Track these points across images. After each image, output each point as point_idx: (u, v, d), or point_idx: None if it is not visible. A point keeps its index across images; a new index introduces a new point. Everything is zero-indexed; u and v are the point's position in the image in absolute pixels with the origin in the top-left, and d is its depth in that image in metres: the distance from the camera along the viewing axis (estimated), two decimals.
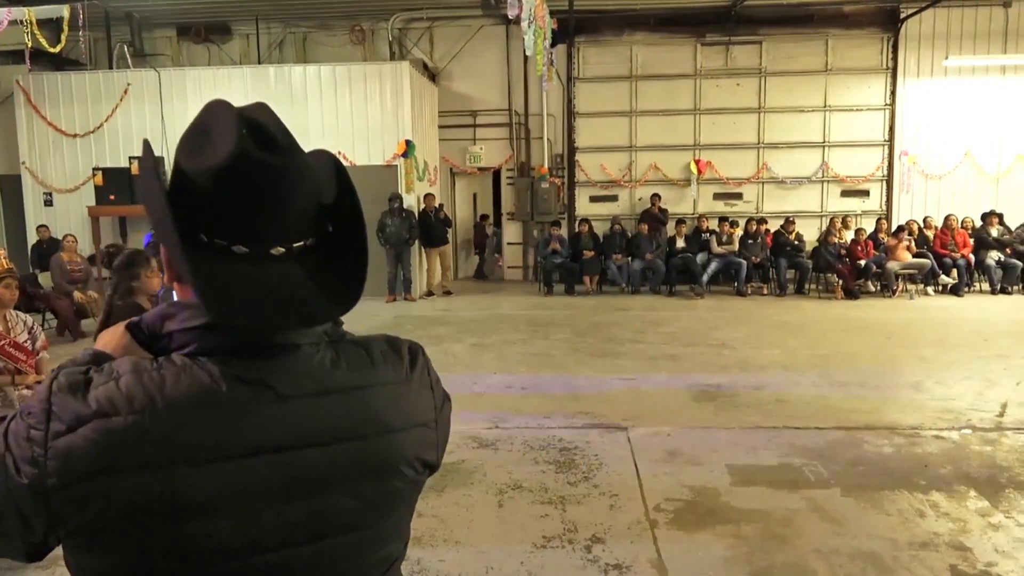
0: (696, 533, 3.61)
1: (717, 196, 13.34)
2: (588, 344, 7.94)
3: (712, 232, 11.97)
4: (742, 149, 13.21)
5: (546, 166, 13.20)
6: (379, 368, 0.95)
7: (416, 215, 11.39)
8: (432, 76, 13.18)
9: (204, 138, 0.87)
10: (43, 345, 4.42)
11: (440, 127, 13.16)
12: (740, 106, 13.15)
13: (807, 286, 11.61)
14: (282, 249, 0.88)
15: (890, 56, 12.88)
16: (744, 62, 13.12)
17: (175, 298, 0.96)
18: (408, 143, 11.21)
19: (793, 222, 11.92)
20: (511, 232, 13.79)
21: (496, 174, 13.76)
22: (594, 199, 13.49)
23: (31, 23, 8.95)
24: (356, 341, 0.97)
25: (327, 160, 0.94)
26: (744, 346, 7.79)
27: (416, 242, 11.40)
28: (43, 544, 0.82)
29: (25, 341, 4.28)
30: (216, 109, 0.89)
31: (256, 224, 0.86)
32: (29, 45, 9.15)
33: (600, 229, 12.50)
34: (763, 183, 13.32)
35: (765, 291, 11.61)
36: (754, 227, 11.82)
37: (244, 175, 0.84)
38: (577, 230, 12.45)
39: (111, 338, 0.95)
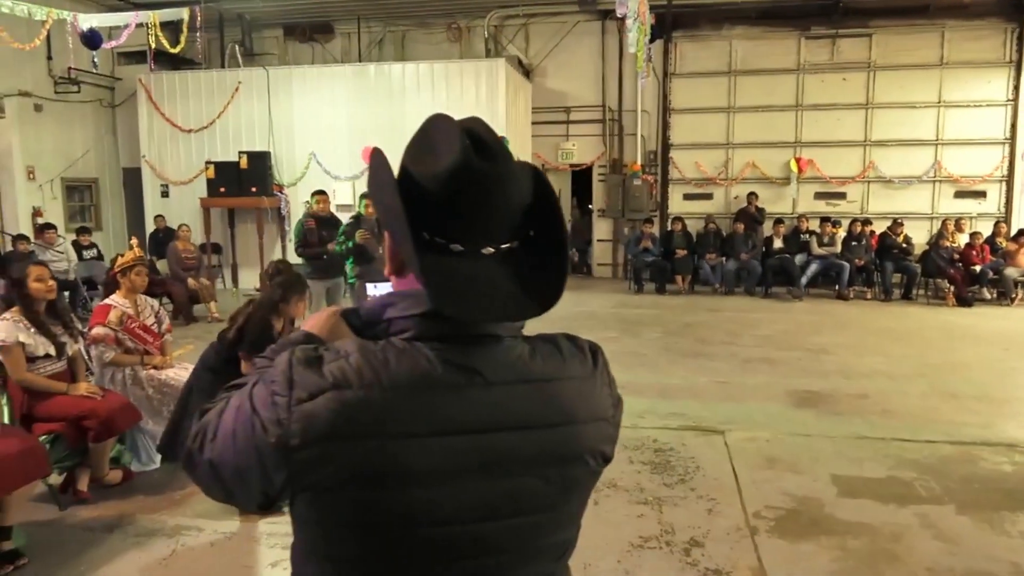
0: (799, 543, 3.51)
1: (819, 195, 12.84)
2: (680, 344, 7.82)
3: (812, 233, 11.54)
4: (847, 147, 12.66)
5: (639, 163, 13.05)
6: (568, 363, 1.03)
7: None
8: (526, 72, 13.23)
9: (429, 147, 0.97)
10: (167, 328, 4.73)
11: (533, 123, 13.19)
12: (846, 102, 12.59)
13: (915, 291, 11.02)
14: (492, 249, 0.97)
15: (1014, 48, 12.04)
16: (851, 56, 12.56)
17: (370, 292, 1.06)
18: (503, 139, 11.26)
19: (901, 224, 11.33)
20: (601, 229, 13.71)
21: (585, 171, 13.69)
22: (688, 197, 13.23)
23: (155, 26, 9.52)
24: (543, 336, 1.05)
25: (528, 168, 1.02)
26: (846, 352, 7.49)
27: None
28: (274, 496, 0.95)
29: (152, 324, 4.59)
30: (439, 122, 1.00)
31: (473, 226, 0.96)
32: (153, 46, 9.75)
33: (693, 228, 12.26)
34: (869, 182, 12.73)
35: (868, 295, 11.10)
36: (858, 228, 11.32)
37: (466, 181, 0.93)
38: (669, 228, 12.26)
39: (318, 321, 1.11)
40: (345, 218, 7.78)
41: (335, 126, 11.94)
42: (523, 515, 0.98)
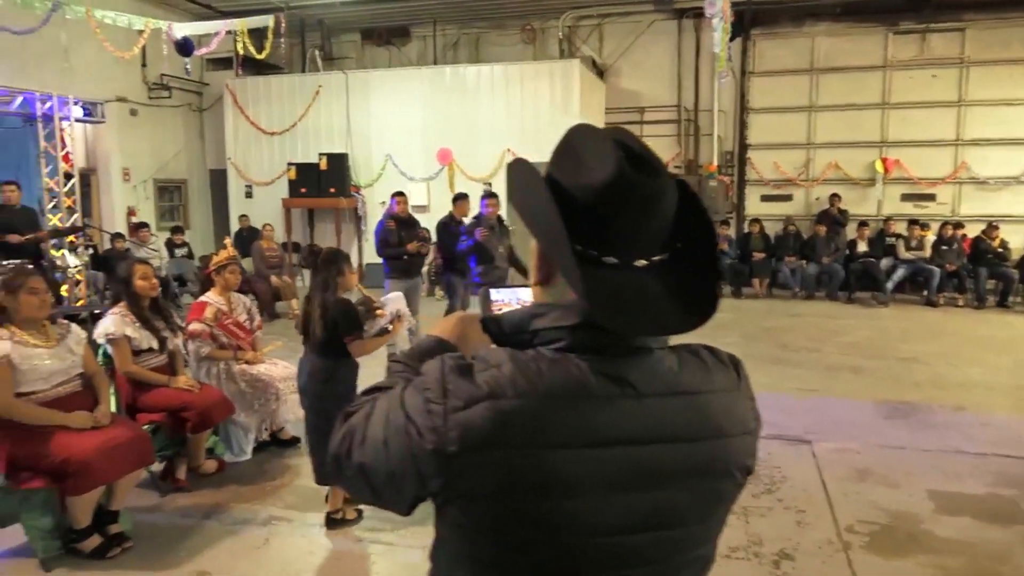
0: (895, 560, 3.38)
1: (905, 197, 12.32)
2: (760, 350, 7.62)
3: (899, 236, 11.07)
4: (937, 146, 12.11)
5: (715, 163, 12.79)
6: (714, 375, 1.03)
7: None
8: (600, 73, 13.16)
9: (577, 158, 0.96)
10: (258, 325, 4.90)
11: (606, 124, 13.10)
12: (936, 99, 12.05)
13: (1011, 299, 10.44)
14: (644, 262, 0.96)
15: None
16: (942, 51, 12.01)
17: (494, 298, 1.06)
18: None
19: (997, 227, 10.75)
20: None
21: None
22: (766, 198, 12.91)
23: (243, 33, 9.88)
24: (686, 348, 1.04)
25: (674, 182, 1.00)
26: (938, 361, 7.16)
27: None
28: (421, 501, 0.97)
29: (244, 321, 4.76)
30: (585, 132, 1.00)
31: (628, 238, 0.95)
32: (241, 52, 10.11)
33: (771, 230, 11.95)
34: (961, 183, 12.14)
35: (960, 302, 10.56)
36: (949, 231, 10.80)
37: (622, 195, 0.92)
38: (747, 230, 11.98)
39: (447, 326, 1.15)
40: (422, 219, 7.91)
41: (410, 128, 12.14)
42: (669, 528, 0.97)
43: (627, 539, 0.95)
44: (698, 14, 12.62)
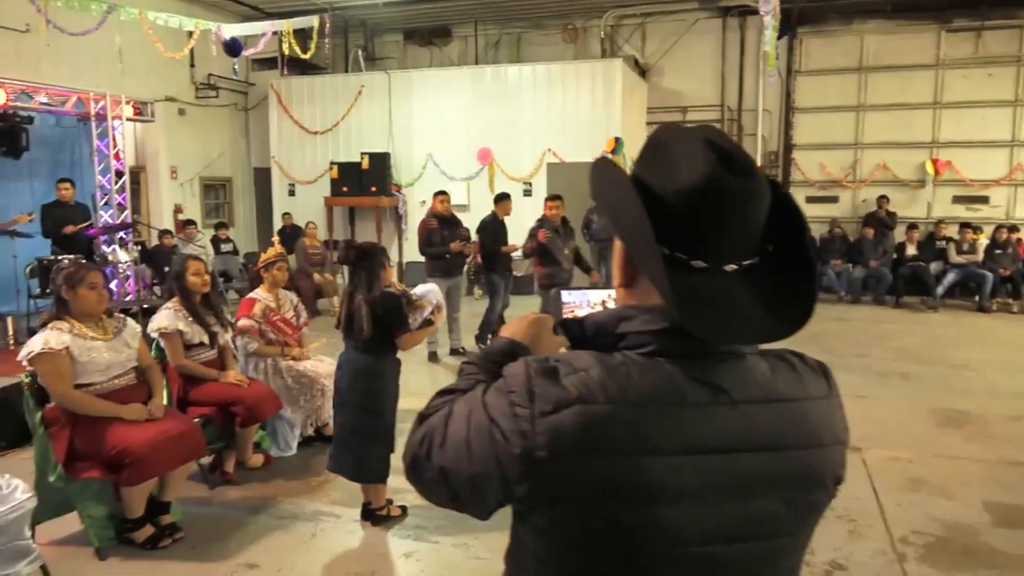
0: (952, 573, 3.28)
1: (957, 199, 11.98)
2: (807, 354, 7.46)
3: (950, 239, 10.77)
4: (991, 147, 11.75)
5: (759, 164, 12.58)
6: (807, 381, 1.00)
7: None
8: (642, 72, 13.05)
9: (666, 159, 0.94)
10: (305, 322, 4.96)
11: (648, 124, 12.99)
12: (991, 99, 11.68)
13: None
14: (734, 266, 0.94)
15: None
16: (998, 49, 11.64)
17: (565, 300, 1.04)
18: (617, 140, 11.19)
19: None
20: None
21: None
22: (811, 200, 12.65)
23: (288, 34, 10.01)
24: (775, 353, 1.01)
25: (767, 179, 0.97)
26: (992, 369, 6.94)
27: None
28: (502, 506, 0.96)
29: (291, 317, 4.82)
30: (675, 132, 0.97)
31: (718, 242, 0.92)
32: (286, 53, 10.25)
33: (816, 232, 11.70)
34: (1016, 186, 11.76)
35: (1015, 308, 10.22)
36: (1004, 235, 10.46)
37: (714, 198, 0.90)
38: None
39: (519, 328, 1.14)
40: (462, 219, 7.93)
41: (452, 128, 12.18)
42: (761, 539, 0.95)
43: (717, 549, 0.92)
44: (743, 12, 12.47)
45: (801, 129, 12.62)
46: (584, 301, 1.23)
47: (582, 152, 11.46)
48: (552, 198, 7.15)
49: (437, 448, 0.97)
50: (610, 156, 11.13)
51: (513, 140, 11.85)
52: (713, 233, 0.91)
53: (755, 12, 11.92)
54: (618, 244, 1.01)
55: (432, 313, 3.96)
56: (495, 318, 7.68)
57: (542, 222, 6.92)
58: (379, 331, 3.55)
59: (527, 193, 11.84)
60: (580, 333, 1.00)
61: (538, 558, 0.97)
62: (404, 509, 3.78)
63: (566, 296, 1.23)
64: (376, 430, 3.57)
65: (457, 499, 0.99)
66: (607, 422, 0.88)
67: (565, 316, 1.18)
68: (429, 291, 4.08)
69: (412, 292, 4.02)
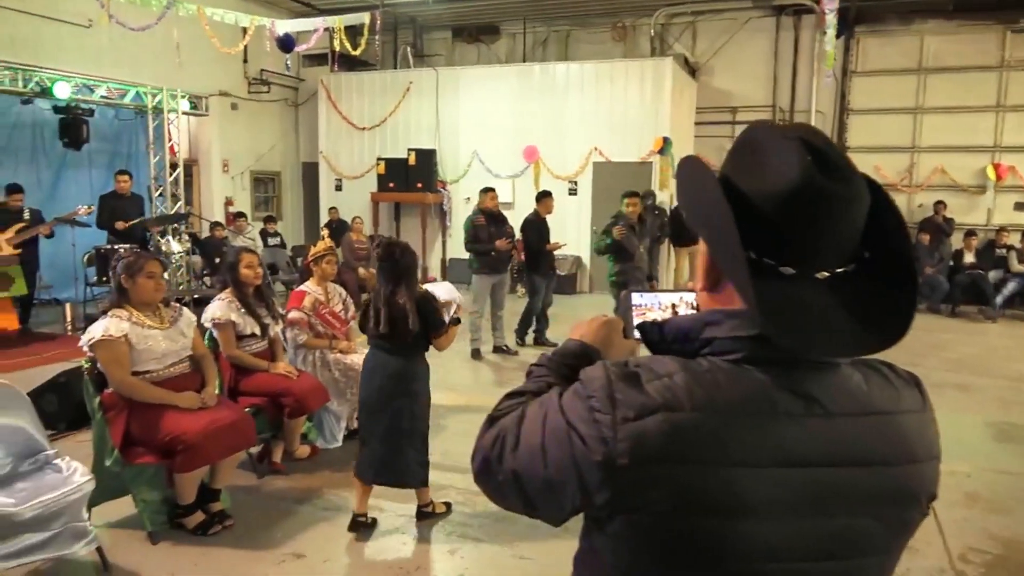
0: None
1: (1020, 206, 11.56)
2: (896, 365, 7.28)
3: (1011, 248, 10.39)
4: None
5: None
6: (901, 394, 0.96)
7: (668, 213, 11.23)
8: (692, 72, 12.89)
9: (758, 160, 0.90)
10: (352, 316, 4.99)
11: (696, 124, 12.83)
12: None
13: None
14: (826, 274, 0.89)
15: None
16: None
17: (636, 302, 1.08)
18: (665, 140, 11.07)
19: None
20: None
21: None
22: None
23: (340, 30, 10.14)
24: (867, 363, 0.97)
25: (866, 185, 0.92)
26: None
27: (666, 240, 11.25)
28: (578, 512, 0.93)
29: (340, 311, 4.87)
30: (767, 131, 0.92)
31: (810, 248, 0.88)
32: (337, 49, 10.39)
33: None
34: None
35: None
36: None
37: (809, 202, 0.85)
38: None
39: (590, 330, 1.12)
40: (508, 216, 7.92)
41: (498, 125, 12.19)
42: (851, 558, 0.90)
43: (805, 567, 0.88)
44: (798, 11, 12.22)
45: (856, 131, 12.32)
46: (656, 304, 1.20)
47: (629, 151, 11.38)
48: (630, 195, 7.10)
49: (510, 451, 0.95)
50: (659, 156, 11.04)
51: (559, 138, 11.81)
52: (804, 239, 0.87)
53: (810, 11, 11.71)
54: (702, 246, 0.97)
55: (457, 311, 3.89)
56: (532, 316, 7.65)
57: (618, 218, 6.86)
58: (420, 330, 3.49)
59: (572, 192, 11.80)
60: (659, 337, 0.97)
61: (614, 567, 0.94)
62: (448, 505, 3.80)
63: (637, 298, 1.20)
64: (415, 433, 3.53)
65: (530, 504, 0.96)
66: (693, 431, 0.85)
67: (637, 319, 1.15)
68: (449, 290, 4.04)
69: (435, 293, 3.99)
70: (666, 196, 11.30)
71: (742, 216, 0.87)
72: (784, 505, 0.86)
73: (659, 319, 1.02)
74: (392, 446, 3.48)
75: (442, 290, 4.02)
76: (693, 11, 12.77)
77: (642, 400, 0.86)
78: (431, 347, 3.62)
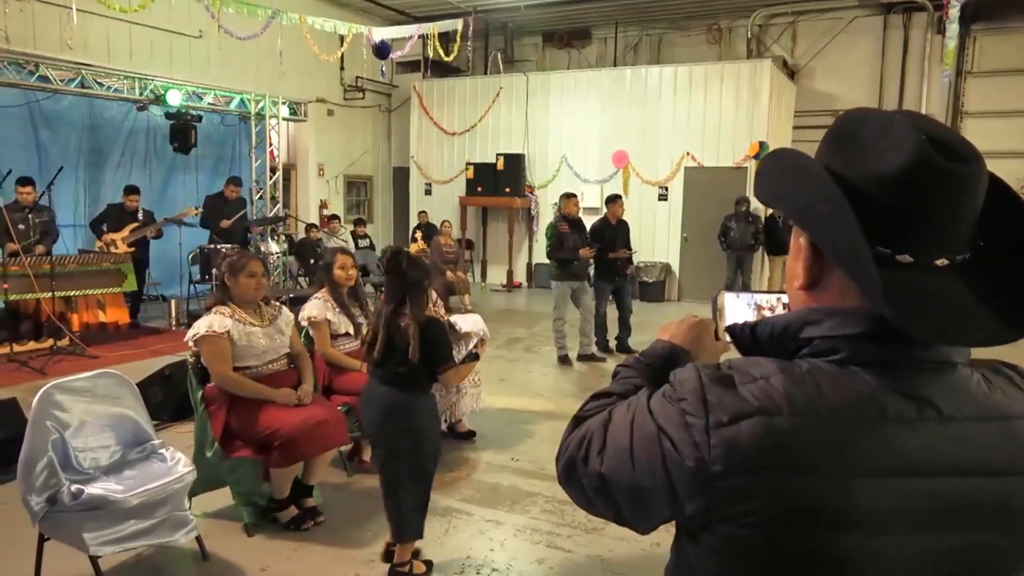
0: None
1: None
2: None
3: None
4: None
5: None
6: None
7: (763, 220, 10.84)
8: (791, 74, 12.41)
9: (859, 145, 0.84)
10: (443, 317, 5.00)
11: (795, 128, 12.34)
12: None
13: None
14: (946, 261, 0.82)
15: None
16: None
17: (729, 303, 1.06)
18: (761, 144, 10.69)
19: None
20: None
21: None
22: None
23: (434, 37, 10.29)
24: (987, 364, 0.89)
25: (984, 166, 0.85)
26: None
27: (760, 248, 10.87)
28: (668, 521, 0.89)
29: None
30: (867, 114, 0.86)
31: (929, 234, 0.81)
32: (431, 56, 10.55)
33: None
34: None
35: None
36: None
37: (926, 182, 0.79)
38: None
39: (680, 331, 1.11)
40: (589, 222, 7.79)
41: (587, 130, 12.10)
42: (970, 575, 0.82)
43: None
44: (907, 8, 11.59)
45: (970, 134, 11.33)
46: (751, 304, 1.12)
47: (723, 156, 11.06)
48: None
49: (596, 453, 0.92)
50: (754, 160, 10.67)
51: (650, 143, 11.60)
52: (923, 224, 0.81)
53: (922, 8, 11.09)
54: (801, 242, 0.89)
55: (477, 346, 3.62)
56: (602, 321, 7.49)
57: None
58: (422, 360, 2.97)
59: (662, 197, 11.57)
60: (750, 339, 0.91)
61: None
62: (429, 565, 3.22)
63: (730, 299, 1.12)
64: (416, 477, 3.03)
65: (618, 510, 0.93)
66: (792, 436, 0.79)
67: (729, 320, 1.09)
68: (475, 321, 3.82)
69: (457, 323, 3.69)
70: (760, 203, 10.89)
71: (851, 204, 0.80)
72: (899, 519, 0.79)
73: (750, 320, 0.95)
74: (390, 490, 3.02)
75: (468, 322, 3.77)
76: (794, 11, 12.31)
77: (737, 404, 0.81)
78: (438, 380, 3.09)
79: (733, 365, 0.86)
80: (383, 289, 3.13)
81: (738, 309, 1.12)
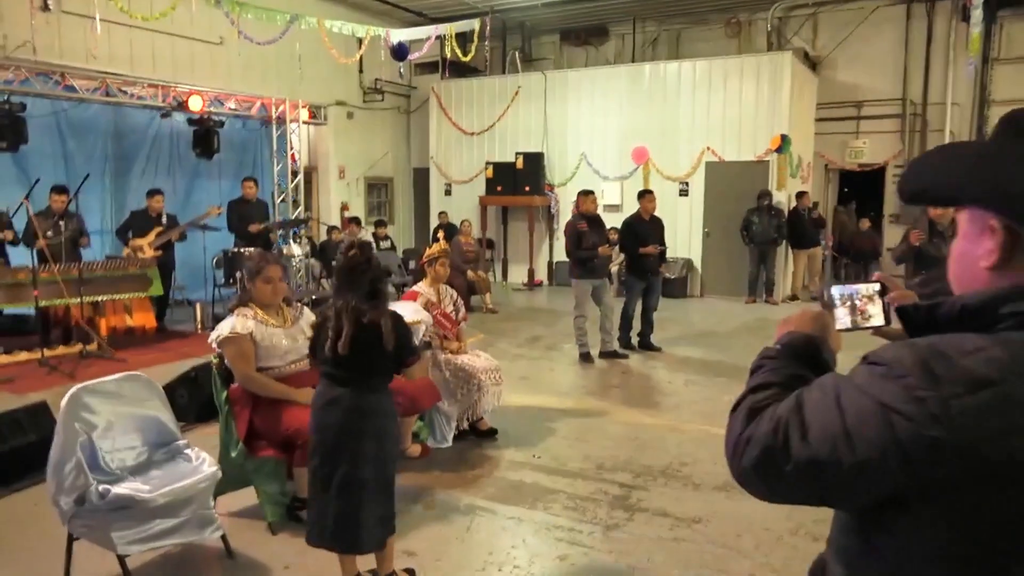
0: None
1: None
2: None
3: None
4: None
5: None
6: None
7: (785, 214, 10.72)
8: (812, 66, 12.27)
9: None
10: (463, 317, 5.02)
11: (817, 120, 12.20)
12: None
13: None
14: None
15: None
16: None
17: (836, 293, 1.20)
18: (783, 138, 10.58)
19: None
20: (892, 237, 12.26)
21: (868, 174, 12.33)
22: None
23: (451, 37, 10.31)
24: None
25: None
26: None
27: (784, 242, 10.75)
28: (874, 499, 0.92)
29: (451, 312, 4.89)
30: None
31: None
32: (448, 56, 10.57)
33: None
34: None
35: None
36: None
37: None
38: None
39: (805, 321, 1.16)
40: (616, 219, 7.74)
41: (606, 127, 12.05)
42: None
43: None
44: None
45: None
46: (856, 294, 1.23)
47: (744, 151, 10.96)
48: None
49: (799, 440, 0.92)
50: (776, 154, 10.56)
51: (670, 139, 11.53)
52: None
53: None
54: (993, 224, 0.95)
55: (425, 333, 3.44)
56: (629, 318, 7.44)
57: (916, 221, 6.54)
58: (395, 358, 2.88)
59: (683, 193, 11.49)
60: (924, 320, 0.97)
61: (930, 554, 0.91)
62: (412, 573, 3.12)
63: (837, 290, 1.23)
64: (380, 483, 2.83)
65: (824, 492, 0.95)
66: None
67: (840, 310, 1.22)
68: (415, 310, 3.61)
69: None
70: (783, 196, 10.80)
71: None
72: None
73: (923, 303, 1.01)
74: (349, 500, 2.77)
75: (408, 310, 3.56)
76: (814, 2, 12.16)
77: (967, 375, 0.85)
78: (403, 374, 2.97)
79: (935, 342, 0.90)
80: (336, 284, 2.98)
81: (844, 298, 1.23)
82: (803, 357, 1.10)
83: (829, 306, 1.22)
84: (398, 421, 3.01)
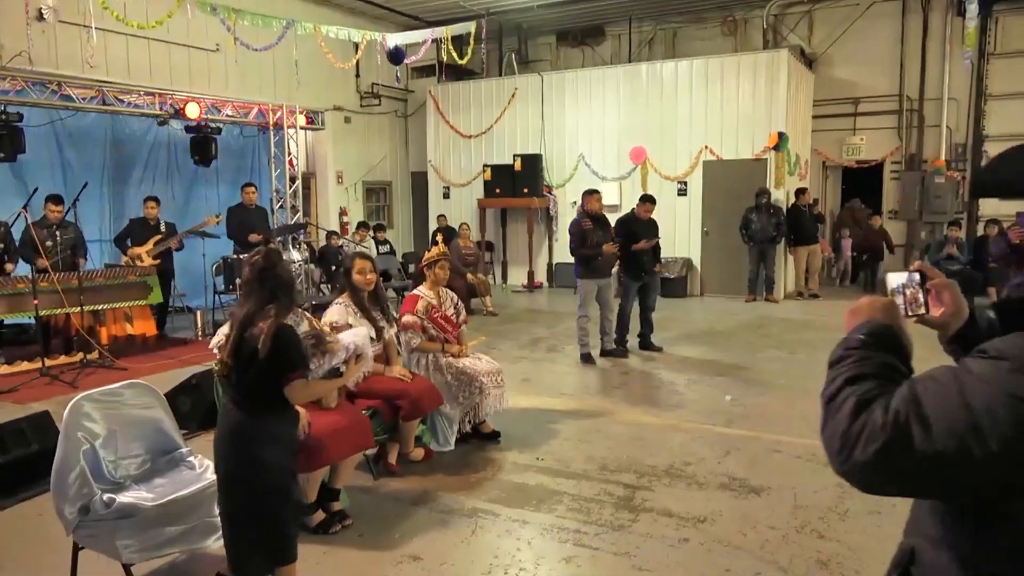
0: None
1: None
2: None
3: None
4: None
5: (943, 158, 11.47)
6: None
7: (784, 211, 10.72)
8: (809, 63, 12.27)
9: None
10: (464, 320, 5.02)
11: (814, 117, 12.21)
12: None
13: None
14: None
15: None
16: None
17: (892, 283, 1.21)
18: (781, 135, 10.58)
19: None
20: (893, 232, 12.27)
21: (867, 170, 12.33)
22: None
23: (447, 40, 10.31)
24: None
25: None
26: None
27: (783, 240, 10.75)
28: (991, 491, 0.94)
29: (452, 315, 4.89)
30: None
31: None
32: (445, 60, 10.57)
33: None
34: None
35: None
36: None
37: None
38: (984, 232, 10.59)
39: (874, 310, 1.16)
40: (614, 219, 7.72)
41: (604, 128, 12.05)
42: None
43: None
44: None
45: (994, 118, 11.34)
46: (907, 282, 1.25)
47: (742, 149, 10.96)
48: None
49: (921, 434, 0.93)
50: (773, 152, 10.56)
51: (668, 138, 11.53)
52: None
53: None
54: None
55: (346, 362, 3.14)
56: (625, 319, 7.42)
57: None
58: (270, 372, 2.62)
59: (682, 192, 11.49)
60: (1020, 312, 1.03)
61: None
62: None
63: (894, 278, 1.26)
64: (250, 515, 2.63)
65: (943, 485, 0.95)
66: None
67: (899, 298, 1.24)
68: (351, 335, 3.30)
69: (331, 335, 3.25)
70: (781, 194, 10.80)
71: None
72: None
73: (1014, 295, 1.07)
74: (222, 518, 2.70)
75: (350, 335, 3.28)
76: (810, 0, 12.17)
77: None
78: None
79: None
80: (242, 291, 2.80)
81: (900, 286, 1.25)
82: (889, 346, 1.10)
83: (893, 293, 1.25)
84: (286, 450, 2.74)
